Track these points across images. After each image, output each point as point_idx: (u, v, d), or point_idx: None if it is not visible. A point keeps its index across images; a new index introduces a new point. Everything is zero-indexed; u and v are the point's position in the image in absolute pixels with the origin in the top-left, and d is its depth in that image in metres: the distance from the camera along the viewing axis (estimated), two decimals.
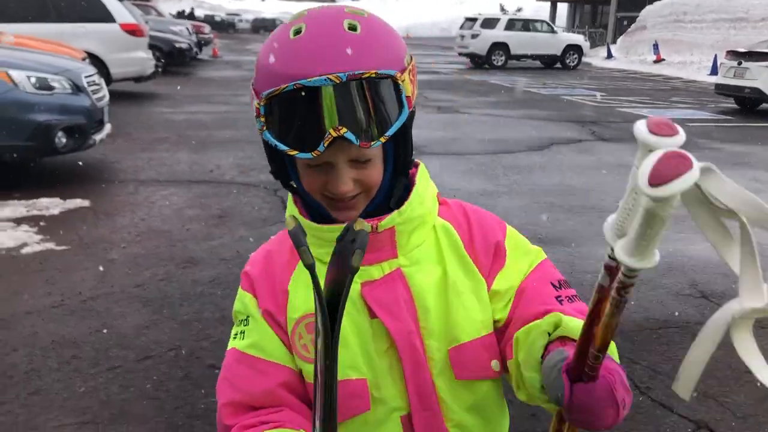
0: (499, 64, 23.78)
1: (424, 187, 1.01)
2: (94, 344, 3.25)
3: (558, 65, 24.86)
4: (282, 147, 0.86)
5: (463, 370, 0.98)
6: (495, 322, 1.01)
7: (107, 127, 6.63)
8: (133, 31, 11.55)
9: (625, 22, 35.81)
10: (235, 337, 1.03)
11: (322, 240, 0.95)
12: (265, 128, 0.87)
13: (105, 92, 6.66)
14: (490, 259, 1.02)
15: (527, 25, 24.35)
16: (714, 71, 19.88)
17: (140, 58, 11.78)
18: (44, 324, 3.45)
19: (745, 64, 13.02)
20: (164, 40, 16.28)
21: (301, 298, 0.98)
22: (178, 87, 13.81)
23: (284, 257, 1.03)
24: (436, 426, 0.98)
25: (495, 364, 1.00)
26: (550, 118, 11.43)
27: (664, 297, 4.11)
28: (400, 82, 0.87)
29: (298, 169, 0.95)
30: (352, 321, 0.96)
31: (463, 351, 0.98)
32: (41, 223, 4.95)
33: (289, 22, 0.89)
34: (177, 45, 16.54)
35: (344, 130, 0.83)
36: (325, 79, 0.82)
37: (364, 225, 0.72)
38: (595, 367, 0.75)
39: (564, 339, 0.88)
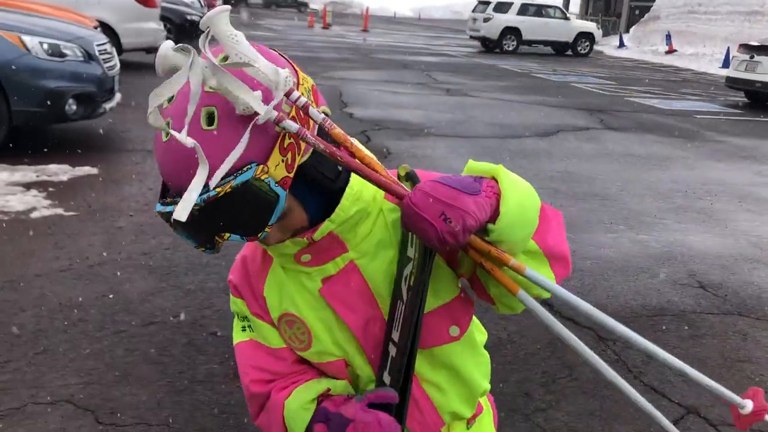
0: (510, 49, 23.66)
1: (360, 183, 0.97)
2: (100, 308, 3.33)
3: (569, 52, 24.72)
4: (193, 243, 0.92)
5: (424, 341, 1.02)
6: (462, 276, 1.05)
7: (117, 96, 6.66)
8: (145, 1, 11.53)
9: (638, 12, 35.50)
10: (243, 330, 1.11)
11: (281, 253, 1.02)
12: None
13: (116, 61, 6.69)
14: None
15: (540, 10, 24.17)
16: (726, 64, 19.76)
17: (152, 29, 11.76)
18: (52, 286, 3.52)
19: (757, 58, 12.95)
20: (176, 11, 16.20)
21: (276, 300, 1.05)
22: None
23: (257, 263, 1.09)
24: (410, 389, 1.04)
25: (453, 329, 1.06)
26: (558, 104, 11.41)
27: (661, 285, 4.16)
28: (259, 175, 0.84)
29: None
30: (318, 317, 1.04)
31: (429, 319, 1.02)
32: (50, 189, 5.02)
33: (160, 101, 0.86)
34: (189, 17, 16.45)
35: (227, 235, 0.88)
36: (168, 210, 0.86)
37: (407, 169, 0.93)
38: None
39: None
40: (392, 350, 1.01)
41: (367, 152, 0.92)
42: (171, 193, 0.90)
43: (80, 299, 3.39)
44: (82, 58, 5.99)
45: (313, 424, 1.00)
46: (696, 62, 23.87)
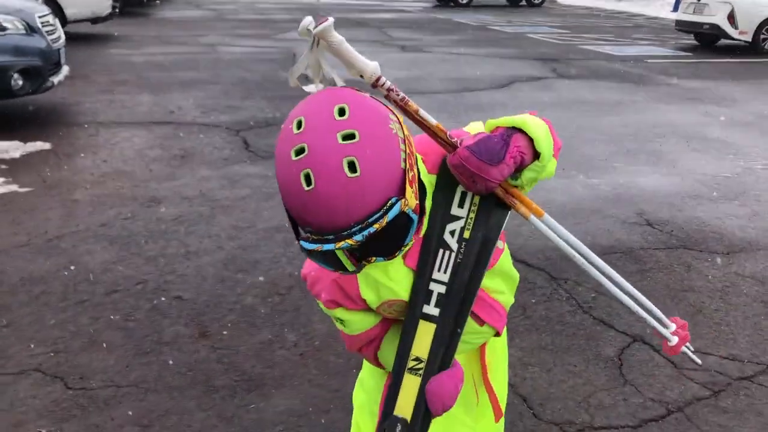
0: (465, 1, 23.51)
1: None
2: (62, 280, 3.35)
3: (523, 3, 24.67)
4: (329, 268, 1.10)
5: (491, 264, 1.33)
6: None
7: (65, 69, 6.53)
8: None
9: None
10: (342, 327, 1.34)
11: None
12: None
13: (60, 33, 6.53)
14: None
15: None
16: (676, 7, 19.96)
17: None
18: (12, 262, 3.53)
19: (704, 0, 13.13)
20: None
21: (373, 296, 1.25)
22: (136, 28, 13.49)
23: (348, 278, 1.25)
24: (487, 303, 1.36)
25: (499, 243, 1.34)
26: (512, 56, 11.47)
27: (611, 225, 4.32)
28: (404, 208, 1.01)
29: None
30: (408, 287, 1.28)
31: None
32: (2, 166, 4.95)
33: (292, 154, 0.98)
34: None
35: (373, 259, 1.08)
36: (346, 244, 0.99)
37: None
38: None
39: None
40: (435, 287, 1.25)
41: (431, 119, 1.18)
42: (312, 231, 1.01)
43: (41, 273, 3.42)
44: (23, 32, 5.85)
45: None
46: (648, 7, 24.05)
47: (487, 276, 1.32)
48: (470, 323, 1.31)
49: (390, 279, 1.23)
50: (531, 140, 1.17)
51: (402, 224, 1.03)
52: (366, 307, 1.28)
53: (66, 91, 7.19)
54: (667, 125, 7.00)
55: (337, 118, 0.99)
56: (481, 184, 1.14)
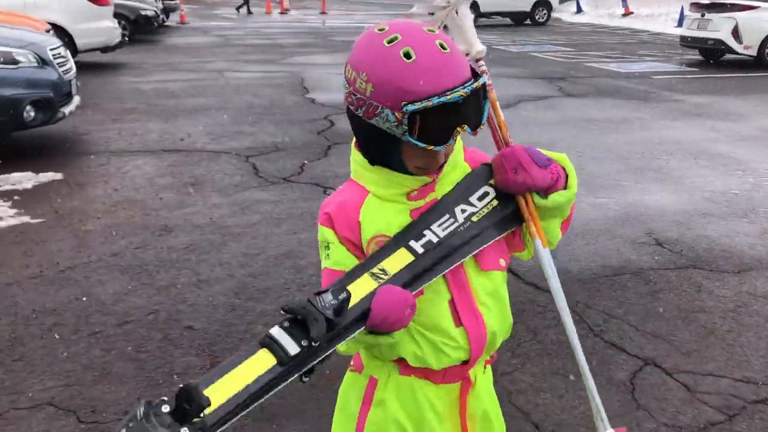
0: None
1: (460, 143, 1.37)
2: (74, 311, 3.38)
3: (528, 22, 24.83)
4: (422, 145, 1.18)
5: (485, 264, 1.35)
6: None
7: (76, 99, 6.63)
8: (97, 0, 11.37)
9: None
10: (325, 258, 1.34)
11: (392, 183, 1.31)
12: (406, 134, 1.17)
13: (71, 64, 6.64)
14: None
15: None
16: (681, 23, 20.02)
17: (106, 28, 11.62)
18: (24, 294, 3.56)
19: (708, 15, 13.17)
20: (130, 8, 15.97)
21: (370, 225, 1.31)
22: (143, 55, 13.65)
23: (353, 200, 1.34)
24: (470, 306, 1.34)
25: (502, 261, 1.39)
26: (518, 75, 11.53)
27: (620, 245, 4.32)
28: (487, 86, 1.24)
29: (402, 153, 1.25)
30: None
31: (483, 251, 1.33)
32: (15, 198, 5.01)
33: (386, 41, 1.18)
34: (143, 12, 16.23)
35: (465, 126, 1.19)
36: (459, 96, 1.16)
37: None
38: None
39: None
40: (429, 234, 1.30)
41: (501, 114, 1.42)
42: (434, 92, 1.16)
43: (54, 304, 3.45)
44: (36, 64, 5.95)
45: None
46: (652, 23, 24.12)
47: (482, 282, 1.37)
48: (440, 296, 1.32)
49: (390, 220, 1.31)
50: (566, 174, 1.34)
51: (484, 101, 1.23)
52: (352, 248, 1.32)
53: (77, 120, 7.29)
54: (674, 142, 7.00)
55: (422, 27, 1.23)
56: (522, 176, 1.27)
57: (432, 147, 1.18)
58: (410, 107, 1.14)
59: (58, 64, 6.19)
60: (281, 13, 31.66)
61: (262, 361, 1.11)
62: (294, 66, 12.57)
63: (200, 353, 3.05)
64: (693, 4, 14.10)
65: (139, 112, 8.19)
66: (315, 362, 1.13)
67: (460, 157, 1.37)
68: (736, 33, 12.69)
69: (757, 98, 9.66)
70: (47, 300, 3.49)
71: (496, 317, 1.40)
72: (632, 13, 26.75)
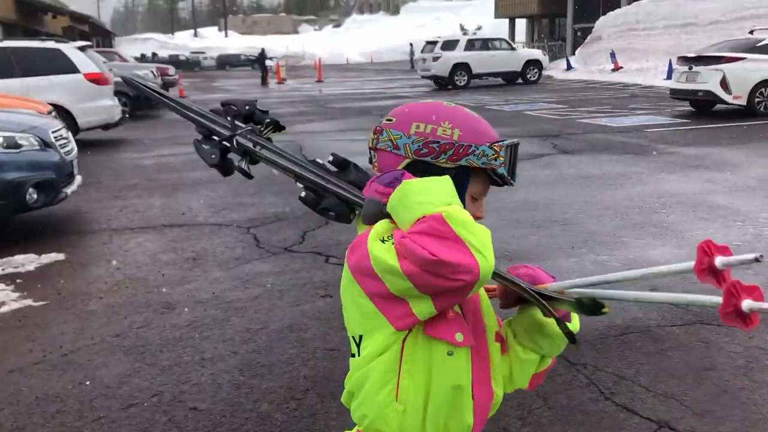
0: (462, 84, 24.20)
1: None
2: (77, 397, 3.34)
3: (519, 81, 25.36)
4: (507, 177, 1.38)
5: (504, 349, 1.50)
6: None
7: (78, 179, 6.72)
8: (97, 80, 11.68)
9: (580, 34, 36.64)
10: (387, 240, 1.28)
11: None
12: (502, 166, 1.37)
13: (73, 145, 6.76)
14: None
15: (486, 44, 24.85)
16: (670, 75, 20.44)
17: (106, 106, 11.89)
18: (27, 381, 3.52)
19: (695, 68, 13.47)
20: None
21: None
22: (142, 130, 13.87)
23: None
24: (486, 381, 1.42)
25: None
26: (513, 134, 11.70)
27: (625, 304, 4.28)
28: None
29: (465, 201, 1.37)
30: None
31: (498, 336, 1.48)
32: (18, 281, 5.02)
33: (453, 106, 1.44)
34: None
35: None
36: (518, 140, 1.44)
37: None
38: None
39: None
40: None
41: None
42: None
43: (57, 390, 3.40)
44: (38, 147, 6.05)
45: None
46: (642, 77, 24.64)
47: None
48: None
49: None
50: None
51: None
52: None
53: (79, 199, 7.36)
54: (672, 195, 7.05)
55: None
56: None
57: (510, 180, 1.39)
58: (504, 142, 1.37)
59: (60, 145, 6.29)
60: (278, 82, 32.37)
61: None
62: (293, 135, 12.76)
63: None
64: (680, 58, 14.46)
65: (140, 188, 8.29)
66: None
67: None
68: (724, 84, 12.96)
69: (750, 147, 9.78)
70: (50, 386, 3.45)
71: (501, 394, 1.47)
72: (622, 67, 27.36)
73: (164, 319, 4.28)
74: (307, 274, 4.99)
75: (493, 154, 1.34)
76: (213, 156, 1.50)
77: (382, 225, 1.31)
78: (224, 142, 1.49)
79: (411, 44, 49.76)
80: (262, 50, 34.10)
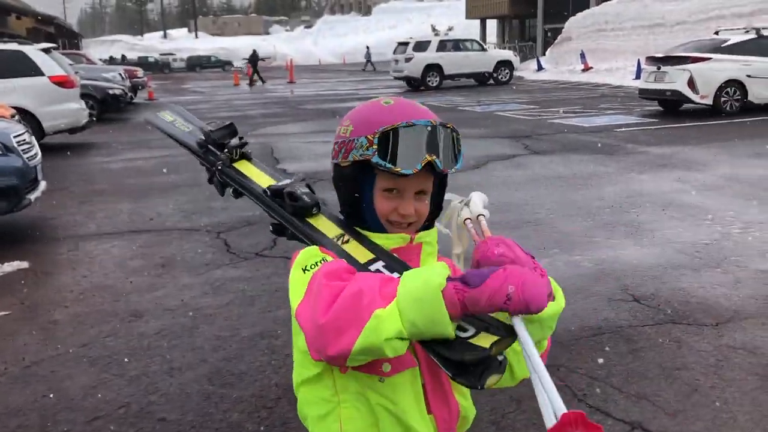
0: (434, 85, 24.27)
1: (436, 232, 1.40)
2: (40, 410, 3.24)
3: (491, 82, 25.49)
4: (389, 166, 1.21)
5: None
6: None
7: (42, 185, 6.56)
8: (62, 82, 11.45)
9: (550, 34, 36.98)
10: (310, 269, 1.23)
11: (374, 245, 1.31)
12: (376, 154, 1.21)
13: (37, 150, 6.60)
14: None
15: (458, 45, 24.94)
16: (638, 75, 20.71)
17: (73, 110, 11.67)
18: None
19: (663, 68, 13.66)
20: (97, 87, 16.11)
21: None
22: (111, 132, 13.65)
23: None
24: (444, 394, 1.33)
25: None
26: (485, 135, 11.74)
27: (597, 304, 4.30)
28: (460, 138, 1.29)
29: (374, 198, 1.28)
30: None
31: None
32: None
33: (374, 101, 1.33)
34: (110, 92, 16.37)
35: (434, 157, 1.21)
36: (427, 121, 1.23)
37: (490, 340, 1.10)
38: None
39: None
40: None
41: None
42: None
43: (18, 404, 3.30)
44: (0, 152, 5.89)
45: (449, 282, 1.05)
46: (611, 77, 24.93)
47: None
48: None
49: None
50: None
51: (457, 151, 1.30)
52: None
53: (44, 205, 7.20)
54: (642, 194, 7.11)
55: None
56: (502, 248, 1.26)
57: (399, 169, 1.20)
58: (381, 128, 1.22)
59: (22, 150, 6.14)
60: (249, 84, 32.13)
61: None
62: (264, 137, 12.66)
63: None
64: (649, 58, 14.64)
65: (108, 193, 8.13)
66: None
67: (436, 245, 1.39)
68: (691, 84, 13.16)
69: (717, 146, 9.92)
70: (12, 400, 3.34)
71: (470, 404, 1.40)
72: (591, 68, 27.67)
73: (132, 327, 4.18)
74: (279, 279, 4.92)
75: (366, 144, 1.23)
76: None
77: (308, 252, 1.27)
78: (213, 177, 1.67)
79: (368, 47, 50.07)
80: (254, 51, 34.05)
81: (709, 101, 13.27)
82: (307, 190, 1.42)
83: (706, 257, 5.09)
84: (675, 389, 3.25)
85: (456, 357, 1.06)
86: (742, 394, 3.18)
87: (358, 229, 1.34)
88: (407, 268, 1.23)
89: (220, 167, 1.62)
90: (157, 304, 4.53)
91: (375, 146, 1.21)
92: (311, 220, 1.38)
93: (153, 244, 5.98)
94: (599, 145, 10.41)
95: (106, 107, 16.27)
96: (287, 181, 1.48)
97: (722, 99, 13.29)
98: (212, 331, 4.09)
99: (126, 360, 3.75)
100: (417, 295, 1.03)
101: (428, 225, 1.38)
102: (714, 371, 3.40)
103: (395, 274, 1.22)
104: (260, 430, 3.03)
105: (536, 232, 5.92)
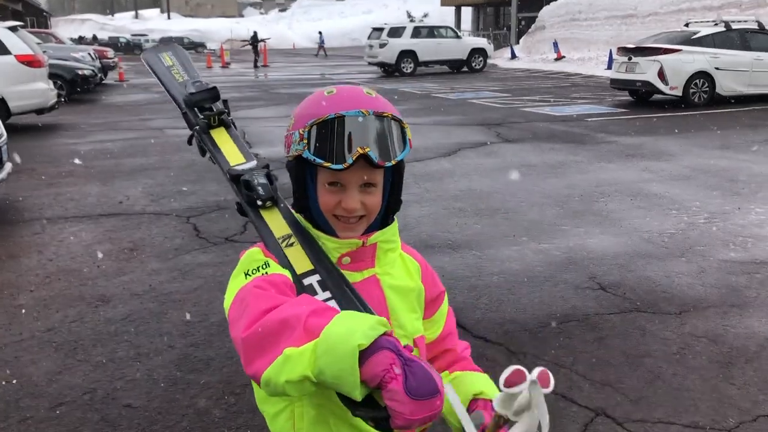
0: (409, 71, 24.22)
1: (396, 227, 1.32)
2: (2, 396, 3.19)
3: (465, 69, 25.53)
4: (318, 160, 1.15)
5: (425, 355, 1.32)
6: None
7: (7, 167, 6.42)
8: (30, 62, 11.18)
9: (524, 23, 37.09)
10: (251, 274, 1.19)
11: (328, 249, 1.25)
12: (306, 149, 1.16)
13: (2, 130, 6.45)
14: (433, 297, 1.39)
15: (432, 32, 24.90)
16: (610, 65, 20.90)
17: (40, 90, 11.40)
18: None
19: (634, 59, 13.80)
20: (66, 67, 15.77)
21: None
22: (82, 115, 13.40)
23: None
24: None
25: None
26: (458, 122, 11.77)
27: (564, 292, 4.36)
28: (405, 126, 1.20)
29: (317, 192, 1.22)
30: None
31: (420, 342, 1.31)
32: None
33: (320, 91, 1.23)
34: (80, 72, 16.02)
35: (368, 149, 1.14)
36: (358, 111, 1.15)
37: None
38: None
39: (479, 401, 1.28)
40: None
41: None
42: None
43: None
44: None
45: (380, 348, 0.95)
46: (583, 66, 25.13)
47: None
48: None
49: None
50: None
51: (400, 140, 1.20)
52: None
53: (10, 187, 7.05)
54: (611, 183, 7.20)
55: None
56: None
57: (328, 164, 1.14)
58: (310, 121, 1.17)
59: None
60: (222, 66, 31.75)
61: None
62: (237, 120, 12.45)
63: None
64: (620, 48, 14.77)
65: (76, 175, 7.99)
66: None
67: (397, 240, 1.33)
68: (662, 75, 13.32)
69: (685, 137, 10.08)
70: None
71: None
72: (564, 57, 27.84)
73: (98, 312, 4.13)
74: None
75: (298, 138, 1.18)
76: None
77: (250, 255, 1.23)
78: (192, 138, 1.62)
79: (320, 32, 49.81)
80: (255, 33, 33.98)
81: (678, 92, 13.45)
82: (264, 181, 1.35)
83: (671, 247, 5.19)
84: (638, 376, 3.31)
85: (350, 406, 1.00)
86: (703, 381, 3.26)
87: (311, 229, 1.27)
88: (343, 287, 1.19)
89: (197, 132, 1.57)
90: (125, 289, 4.48)
91: (305, 140, 1.16)
92: (264, 213, 1.33)
93: (121, 228, 5.90)
94: (570, 134, 10.50)
95: (75, 88, 15.94)
96: (249, 165, 1.44)
97: (691, 90, 13.49)
98: (180, 316, 4.06)
99: (91, 345, 3.70)
100: (333, 344, 0.94)
101: (385, 221, 1.29)
102: (677, 359, 3.47)
103: (326, 293, 1.18)
104: (227, 416, 3.02)
105: (506, 220, 5.96)
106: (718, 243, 5.25)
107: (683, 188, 6.98)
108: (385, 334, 0.96)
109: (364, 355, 0.93)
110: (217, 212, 6.32)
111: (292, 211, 1.32)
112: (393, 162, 1.17)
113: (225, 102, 1.62)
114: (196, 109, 1.61)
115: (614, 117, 12.54)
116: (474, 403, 1.27)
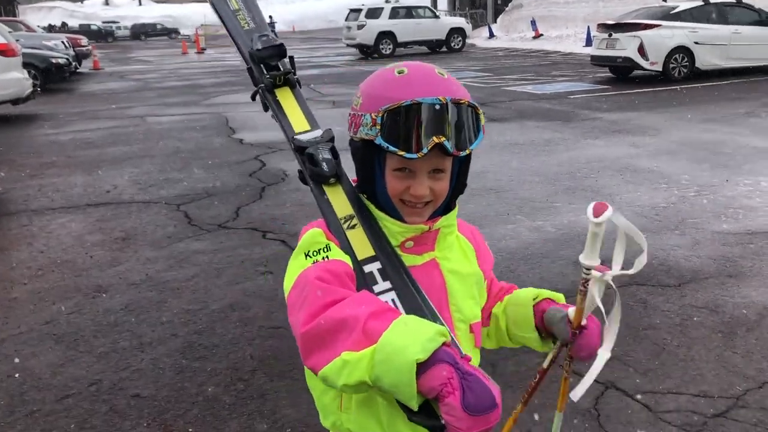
0: (388, 52, 24.08)
1: (456, 211, 1.30)
2: (7, 390, 3.14)
3: (444, 49, 25.44)
4: (393, 149, 1.12)
5: (479, 341, 1.32)
6: None
7: None
8: (3, 51, 10.93)
9: (501, 1, 36.98)
10: (312, 256, 1.17)
11: (392, 232, 1.23)
12: (379, 135, 1.13)
13: None
14: (488, 270, 1.40)
15: (410, 12, 24.73)
16: (589, 42, 20.95)
17: (15, 79, 11.16)
18: None
19: (615, 35, 13.83)
20: (39, 56, 15.44)
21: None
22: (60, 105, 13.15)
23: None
24: None
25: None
26: None
27: (563, 268, 4.38)
28: (480, 113, 1.17)
29: (385, 177, 1.20)
30: None
31: (476, 328, 1.30)
32: None
33: (389, 68, 1.19)
34: (54, 60, 15.71)
35: (443, 138, 1.11)
36: (436, 99, 1.10)
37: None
38: (581, 327, 1.27)
39: (540, 302, 1.34)
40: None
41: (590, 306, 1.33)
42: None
43: None
44: None
45: (438, 361, 0.95)
46: (562, 44, 25.16)
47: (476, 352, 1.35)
48: None
49: None
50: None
51: (475, 128, 1.17)
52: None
53: None
54: (599, 160, 7.24)
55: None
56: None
57: (403, 153, 1.11)
58: (384, 106, 1.12)
59: None
60: (198, 52, 31.35)
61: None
62: (217, 107, 12.40)
63: (151, 423, 2.87)
64: (600, 25, 14.79)
65: (58, 166, 7.86)
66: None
67: (455, 224, 1.31)
68: (642, 50, 13.37)
69: (668, 112, 10.15)
70: None
71: None
72: (542, 35, 27.85)
73: (96, 303, 4.08)
74: (245, 251, 4.86)
75: (370, 123, 1.14)
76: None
77: (313, 235, 1.21)
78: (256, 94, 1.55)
79: (270, 16, 49.22)
80: (269, 17, 33.38)
81: (659, 68, 13.53)
82: (329, 156, 1.32)
83: (664, 220, 5.23)
84: (644, 349, 3.34)
85: (407, 412, 1.01)
86: (708, 351, 3.30)
87: (374, 210, 1.25)
88: (403, 278, 1.18)
89: (261, 90, 1.51)
90: (121, 279, 4.42)
91: (378, 126, 1.13)
92: (327, 189, 1.30)
93: (111, 217, 5.82)
94: (554, 112, 10.53)
95: (50, 77, 15.64)
96: (314, 135, 1.40)
97: (671, 65, 13.56)
98: (180, 304, 4.02)
99: (93, 336, 3.66)
100: (390, 355, 0.94)
101: (449, 206, 1.28)
102: (680, 330, 3.51)
103: (386, 283, 1.17)
104: (237, 402, 3.00)
105: (499, 199, 5.97)
106: (709, 215, 5.31)
107: (671, 162, 7.03)
108: (444, 344, 0.96)
109: (422, 367, 0.93)
110: (206, 199, 6.25)
111: (355, 191, 1.30)
112: (468, 151, 1.15)
113: (291, 59, 1.56)
114: (261, 65, 1.54)
115: (596, 94, 12.59)
116: (537, 306, 1.33)
